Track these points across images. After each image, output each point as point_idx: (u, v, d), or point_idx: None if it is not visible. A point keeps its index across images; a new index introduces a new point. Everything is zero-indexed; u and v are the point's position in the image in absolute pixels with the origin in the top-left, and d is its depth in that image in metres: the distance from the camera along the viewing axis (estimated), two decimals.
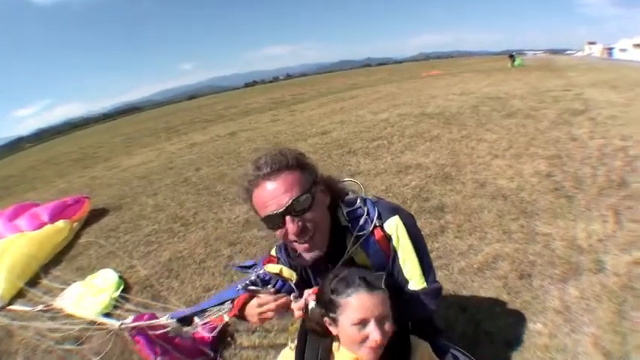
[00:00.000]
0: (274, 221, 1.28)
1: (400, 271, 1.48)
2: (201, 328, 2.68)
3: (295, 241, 1.34)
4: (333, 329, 1.32)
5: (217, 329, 2.70)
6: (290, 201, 1.24)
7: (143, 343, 2.54)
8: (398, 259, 1.47)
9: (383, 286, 1.27)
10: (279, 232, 1.33)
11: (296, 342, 1.44)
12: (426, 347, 1.46)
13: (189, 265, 4.18)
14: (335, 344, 1.37)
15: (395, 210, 1.52)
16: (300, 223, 1.28)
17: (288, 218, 1.26)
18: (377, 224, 1.46)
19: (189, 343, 2.68)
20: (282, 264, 1.58)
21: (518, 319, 2.65)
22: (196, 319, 2.69)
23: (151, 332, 2.55)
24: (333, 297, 1.27)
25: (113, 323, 2.79)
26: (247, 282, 1.58)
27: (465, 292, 2.99)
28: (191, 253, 4.44)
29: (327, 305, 1.29)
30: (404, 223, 1.48)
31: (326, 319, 1.31)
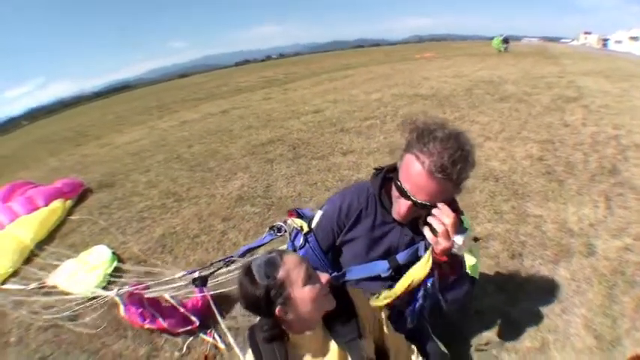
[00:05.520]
0: (414, 202, 1.53)
1: None
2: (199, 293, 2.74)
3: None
4: (289, 314, 1.32)
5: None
6: (430, 204, 1.48)
7: (133, 311, 2.70)
8: None
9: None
10: (407, 205, 1.58)
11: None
12: (359, 292, 1.61)
13: (182, 240, 4.13)
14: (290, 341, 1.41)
15: None
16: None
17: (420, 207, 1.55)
18: None
19: (177, 311, 2.72)
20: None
21: (509, 298, 2.69)
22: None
23: (146, 295, 2.72)
24: (269, 282, 1.28)
25: (109, 294, 2.90)
26: (275, 230, 1.93)
27: None
28: (184, 229, 4.38)
29: (274, 296, 1.28)
30: None
31: (278, 308, 1.29)
